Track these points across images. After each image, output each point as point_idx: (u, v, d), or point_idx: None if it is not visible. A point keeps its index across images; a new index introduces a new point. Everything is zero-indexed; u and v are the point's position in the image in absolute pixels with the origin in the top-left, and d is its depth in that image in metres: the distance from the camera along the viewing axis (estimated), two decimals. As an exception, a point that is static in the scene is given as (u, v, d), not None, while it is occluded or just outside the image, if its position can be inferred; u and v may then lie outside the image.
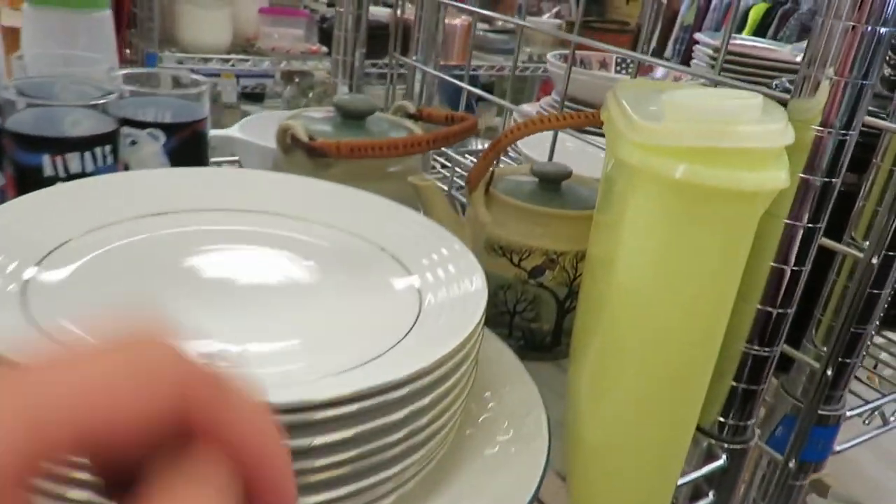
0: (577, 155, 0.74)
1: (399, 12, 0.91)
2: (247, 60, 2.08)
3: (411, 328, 0.38)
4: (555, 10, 3.06)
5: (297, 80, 1.39)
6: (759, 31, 2.98)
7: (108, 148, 0.54)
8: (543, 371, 0.48)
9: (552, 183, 0.55)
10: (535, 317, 0.54)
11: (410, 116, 0.66)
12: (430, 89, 0.98)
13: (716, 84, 0.52)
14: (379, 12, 1.82)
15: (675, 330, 0.38)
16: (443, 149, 0.88)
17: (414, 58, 0.95)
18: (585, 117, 0.49)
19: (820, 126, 0.38)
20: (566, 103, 1.06)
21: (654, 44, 2.81)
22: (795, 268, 0.41)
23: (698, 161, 0.32)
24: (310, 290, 0.42)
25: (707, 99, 0.35)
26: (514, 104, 0.80)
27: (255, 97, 2.96)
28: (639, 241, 0.38)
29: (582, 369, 0.44)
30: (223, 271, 0.43)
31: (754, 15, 3.11)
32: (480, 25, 2.59)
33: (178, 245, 0.44)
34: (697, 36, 1.10)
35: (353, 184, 0.50)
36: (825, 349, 0.50)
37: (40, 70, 0.66)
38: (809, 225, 0.40)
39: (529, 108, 1.08)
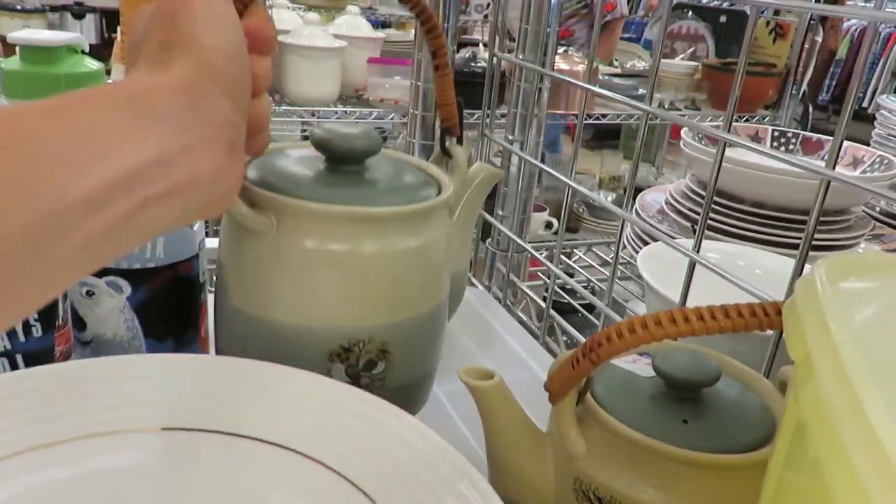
0: (731, 265, 0.53)
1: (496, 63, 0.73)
2: (354, 112, 1.96)
3: None
4: (690, 50, 2.80)
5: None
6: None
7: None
8: None
9: (686, 391, 0.34)
10: None
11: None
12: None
13: None
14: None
15: None
16: (534, 252, 0.69)
17: (514, 110, 0.76)
18: (747, 318, 0.28)
19: None
20: (702, 194, 0.84)
21: (804, 87, 2.49)
22: None
23: None
24: None
25: None
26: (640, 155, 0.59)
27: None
28: None
29: None
30: None
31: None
32: (605, 70, 2.37)
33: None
34: (882, 99, 0.85)
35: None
36: None
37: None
38: None
39: (656, 195, 0.87)
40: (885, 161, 0.75)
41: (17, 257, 0.20)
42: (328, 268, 0.36)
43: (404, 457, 0.33)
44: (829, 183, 0.41)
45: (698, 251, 0.50)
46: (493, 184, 0.49)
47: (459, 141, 0.46)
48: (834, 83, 4.52)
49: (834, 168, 0.41)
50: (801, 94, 2.41)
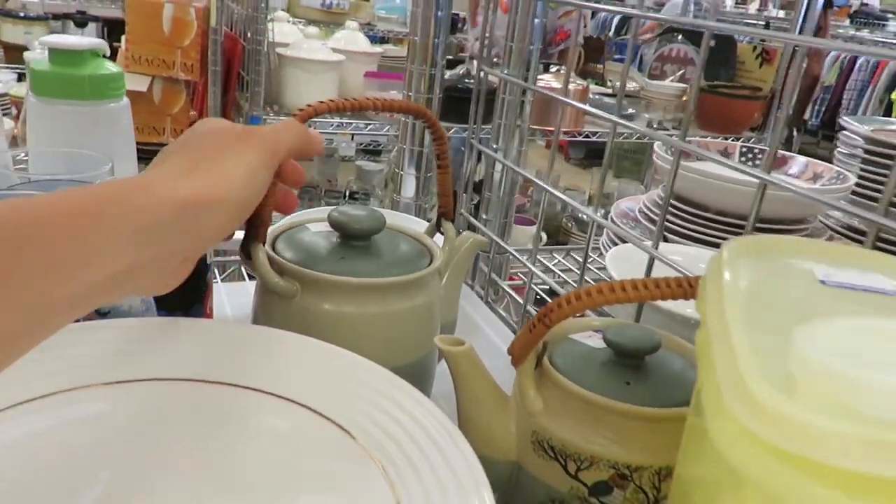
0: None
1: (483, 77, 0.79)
2: (350, 124, 2.02)
3: None
4: (679, 73, 2.87)
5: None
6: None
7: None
8: None
9: (630, 358, 0.40)
10: (599, 549, 0.38)
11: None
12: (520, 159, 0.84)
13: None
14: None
15: None
16: (517, 256, 0.74)
17: (499, 121, 0.81)
18: (673, 288, 0.33)
19: None
20: (672, 202, 0.90)
21: (789, 111, 2.56)
22: None
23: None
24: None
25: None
26: (630, 174, 0.65)
27: (373, 152, 2.93)
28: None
29: None
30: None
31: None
32: (594, 88, 2.44)
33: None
34: (845, 120, 0.91)
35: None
36: None
37: (45, 170, 0.58)
38: None
39: (631, 204, 0.92)
40: (841, 176, 0.80)
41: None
42: (340, 325, 0.45)
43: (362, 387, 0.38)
44: (765, 186, 0.46)
45: (657, 248, 0.55)
46: (477, 250, 0.57)
47: (451, 221, 0.55)
48: (823, 108, 4.62)
49: (769, 173, 0.46)
50: (784, 119, 2.47)
